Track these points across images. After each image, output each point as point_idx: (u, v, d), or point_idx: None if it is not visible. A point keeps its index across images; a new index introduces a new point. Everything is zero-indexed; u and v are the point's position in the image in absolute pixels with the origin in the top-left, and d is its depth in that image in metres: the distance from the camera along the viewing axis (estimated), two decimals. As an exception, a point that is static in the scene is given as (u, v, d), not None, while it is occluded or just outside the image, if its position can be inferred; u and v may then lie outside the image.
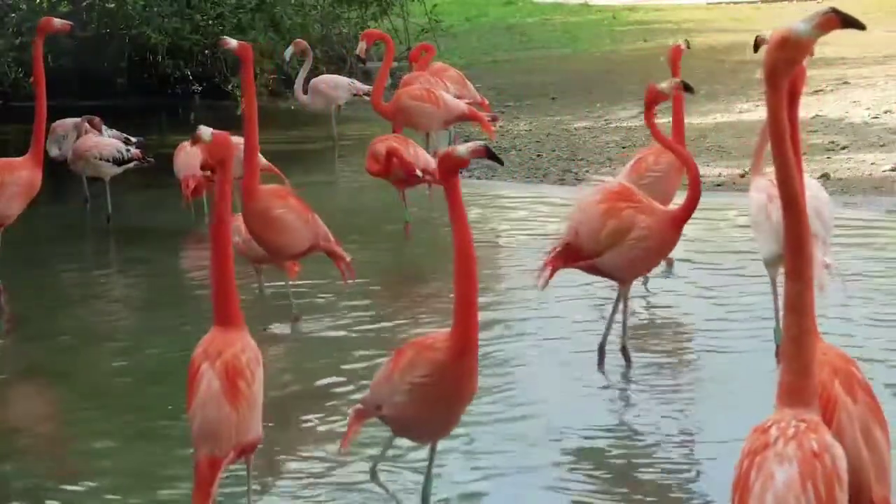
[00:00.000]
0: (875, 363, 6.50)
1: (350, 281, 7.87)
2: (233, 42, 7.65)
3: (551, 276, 6.80)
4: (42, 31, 8.77)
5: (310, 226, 7.65)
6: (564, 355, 7.12)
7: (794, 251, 3.41)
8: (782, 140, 3.39)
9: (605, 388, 6.71)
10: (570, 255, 6.76)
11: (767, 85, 3.37)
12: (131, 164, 11.02)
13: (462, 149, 4.68)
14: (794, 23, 3.36)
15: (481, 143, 4.75)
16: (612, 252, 6.62)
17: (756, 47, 7.25)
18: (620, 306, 6.80)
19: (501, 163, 5.08)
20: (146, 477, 5.90)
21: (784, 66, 3.36)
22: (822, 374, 3.98)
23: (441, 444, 5.19)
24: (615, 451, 5.93)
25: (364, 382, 6.88)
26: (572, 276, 8.58)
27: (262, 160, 10.22)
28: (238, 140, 10.19)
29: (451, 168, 4.70)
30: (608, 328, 6.85)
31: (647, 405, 6.44)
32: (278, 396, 6.62)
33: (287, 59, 15.02)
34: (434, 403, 4.84)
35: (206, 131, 5.07)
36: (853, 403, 3.96)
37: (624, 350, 6.83)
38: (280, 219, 7.48)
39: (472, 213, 10.96)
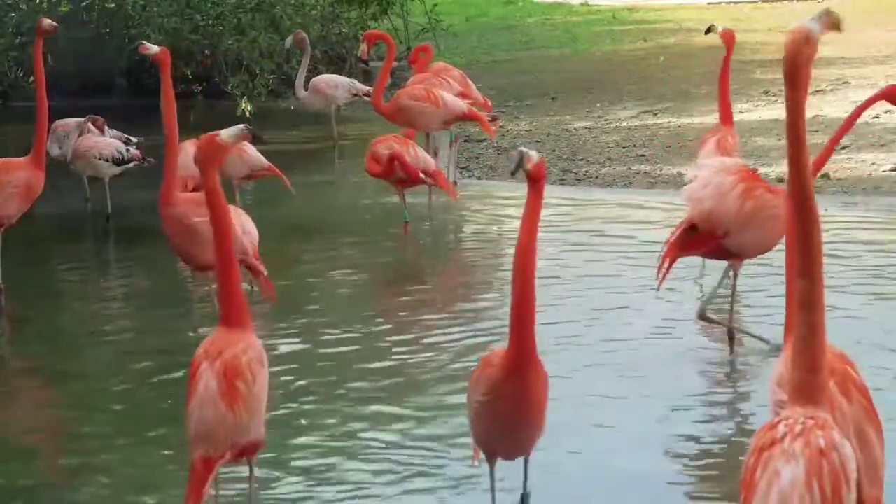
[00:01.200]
0: (874, 361, 6.50)
1: (269, 301, 7.72)
2: (153, 48, 7.95)
3: (670, 266, 6.81)
4: (40, 32, 8.80)
5: None
6: (586, 349, 7.15)
7: (804, 250, 3.40)
8: (801, 139, 3.37)
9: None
10: (693, 239, 6.75)
11: (789, 82, 3.37)
12: (131, 165, 11.03)
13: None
14: (805, 20, 3.37)
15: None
16: (744, 232, 6.67)
17: (707, 31, 8.97)
18: (728, 283, 6.95)
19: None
20: (145, 477, 5.90)
21: (804, 62, 3.36)
22: None
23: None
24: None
25: (360, 381, 6.91)
26: (569, 275, 8.63)
27: (263, 160, 10.27)
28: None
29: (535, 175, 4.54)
30: (732, 310, 6.94)
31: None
32: (276, 395, 6.63)
33: (288, 46, 15.08)
34: (495, 422, 4.65)
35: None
36: (848, 404, 3.97)
37: (730, 331, 6.96)
38: (195, 227, 7.36)
39: (473, 213, 10.98)
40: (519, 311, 4.53)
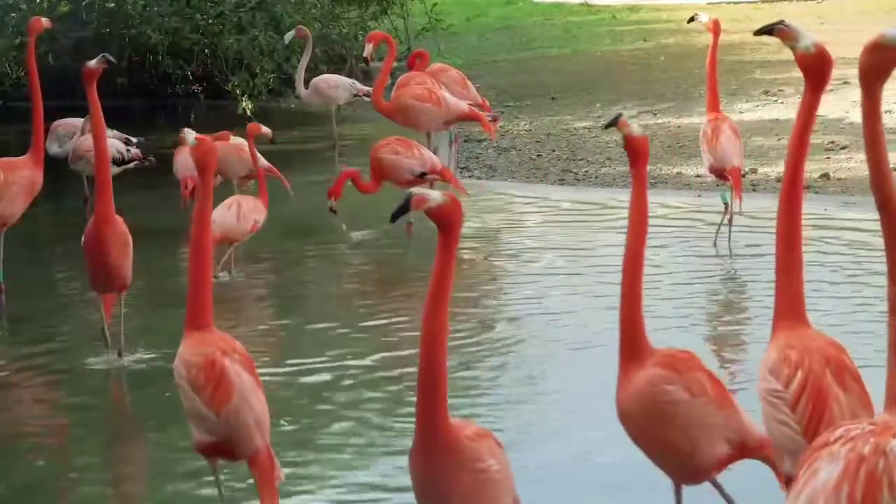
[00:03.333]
0: (872, 359, 6.50)
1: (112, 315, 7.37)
2: (94, 62, 7.48)
3: None
4: (33, 31, 8.81)
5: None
6: (573, 350, 7.14)
7: (894, 253, 3.34)
8: (877, 142, 3.32)
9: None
10: None
11: (862, 89, 3.32)
12: (132, 165, 11.03)
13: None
14: (886, 28, 3.31)
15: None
16: None
17: (690, 20, 9.51)
18: None
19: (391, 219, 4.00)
20: (146, 476, 5.91)
21: (875, 70, 3.31)
22: (814, 364, 4.00)
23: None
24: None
25: (358, 381, 6.91)
26: (565, 277, 8.65)
27: (263, 161, 10.27)
28: (239, 141, 10.27)
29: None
30: None
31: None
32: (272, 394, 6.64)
33: (287, 42, 15.07)
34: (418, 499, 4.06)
35: (189, 134, 5.17)
36: (844, 393, 3.97)
37: None
38: (130, 245, 7.21)
39: (473, 213, 10.97)
40: (425, 383, 3.92)
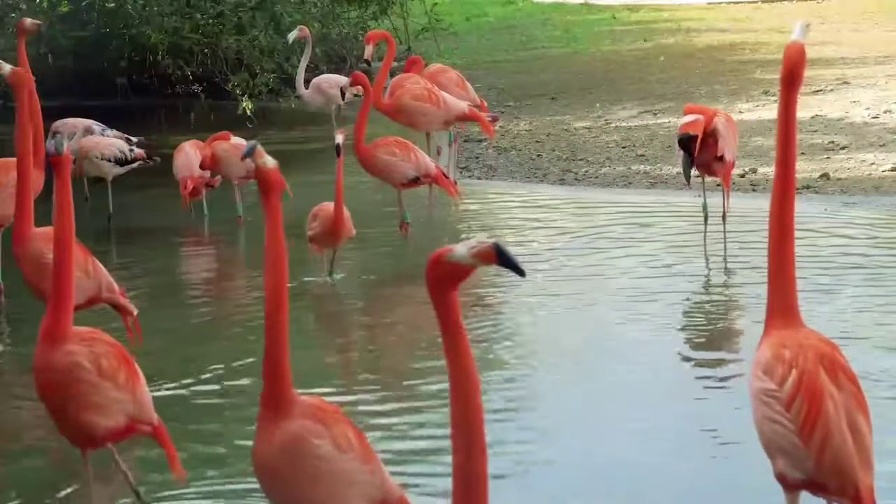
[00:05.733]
0: (871, 361, 6.50)
1: (136, 344, 6.96)
2: (5, 66, 7.03)
3: None
4: (21, 32, 8.84)
5: (90, 275, 6.91)
6: (568, 349, 7.15)
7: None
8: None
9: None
10: None
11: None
12: (135, 164, 11.02)
13: (463, 251, 3.27)
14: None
15: (490, 243, 3.24)
16: None
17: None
18: None
19: (521, 272, 3.29)
20: (145, 476, 5.90)
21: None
22: (808, 363, 4.00)
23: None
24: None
25: (355, 382, 6.92)
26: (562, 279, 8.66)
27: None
28: (239, 141, 10.27)
29: (447, 279, 3.36)
30: None
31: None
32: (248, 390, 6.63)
33: (290, 41, 15.07)
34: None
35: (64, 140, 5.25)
36: (838, 391, 3.98)
37: None
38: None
39: (473, 213, 10.98)
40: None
